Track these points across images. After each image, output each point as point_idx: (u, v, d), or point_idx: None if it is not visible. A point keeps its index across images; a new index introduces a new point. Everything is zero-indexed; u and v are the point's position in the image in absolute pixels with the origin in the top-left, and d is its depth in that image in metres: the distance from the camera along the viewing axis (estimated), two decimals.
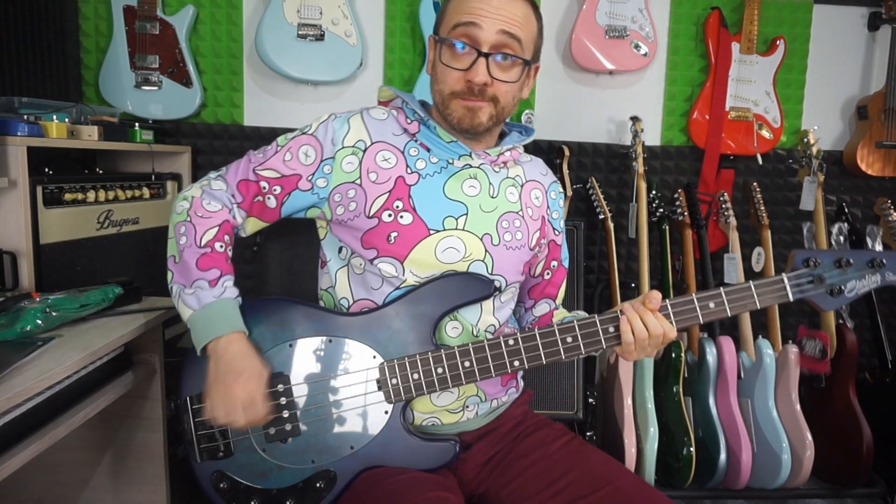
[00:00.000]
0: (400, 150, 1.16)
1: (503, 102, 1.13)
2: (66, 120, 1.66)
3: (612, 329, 1.08)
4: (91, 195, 1.69)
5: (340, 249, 1.18)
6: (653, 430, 2.04)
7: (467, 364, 1.08)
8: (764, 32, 2.34)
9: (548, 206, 1.28)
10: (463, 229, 1.14)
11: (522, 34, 1.10)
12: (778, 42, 2.32)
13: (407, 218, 1.12)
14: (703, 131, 2.34)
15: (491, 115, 1.13)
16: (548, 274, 1.31)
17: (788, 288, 1.08)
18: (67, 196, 1.62)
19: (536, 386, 1.86)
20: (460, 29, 1.09)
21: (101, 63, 2.16)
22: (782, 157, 2.42)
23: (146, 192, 1.90)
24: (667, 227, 2.25)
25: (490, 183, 1.19)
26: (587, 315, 1.12)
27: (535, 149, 2.36)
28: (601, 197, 2.23)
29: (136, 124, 1.98)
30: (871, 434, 2.05)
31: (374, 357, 1.10)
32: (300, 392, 1.10)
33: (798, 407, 2.07)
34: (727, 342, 2.11)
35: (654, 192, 2.27)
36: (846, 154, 2.42)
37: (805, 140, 2.23)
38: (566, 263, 1.34)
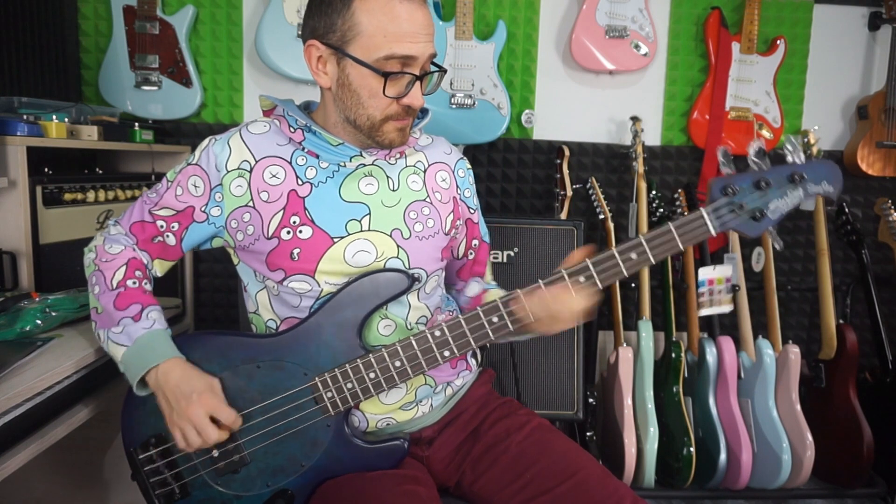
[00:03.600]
0: (287, 161, 1.12)
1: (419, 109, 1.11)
2: (66, 120, 1.66)
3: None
4: (91, 195, 1.69)
5: (255, 273, 1.16)
6: (653, 430, 2.04)
7: (398, 364, 1.07)
8: (764, 32, 2.34)
9: (457, 186, 1.24)
10: (369, 230, 1.12)
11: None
12: (778, 42, 2.32)
13: (306, 231, 1.09)
14: (703, 131, 2.34)
15: (412, 124, 1.12)
16: (471, 254, 1.30)
17: (709, 222, 1.03)
18: (67, 196, 1.62)
19: (536, 386, 1.86)
20: (396, 60, 1.02)
21: (101, 63, 2.16)
22: (783, 157, 2.42)
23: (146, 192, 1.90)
24: None
25: (388, 176, 1.15)
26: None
27: (535, 149, 2.36)
28: (601, 197, 2.23)
29: (136, 124, 1.98)
30: (871, 434, 2.05)
31: (305, 374, 1.09)
32: (241, 422, 1.09)
33: (798, 407, 2.06)
34: (727, 342, 2.11)
35: (654, 192, 2.26)
36: (846, 154, 2.42)
37: (805, 140, 2.22)
38: (487, 239, 1.33)
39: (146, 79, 2.14)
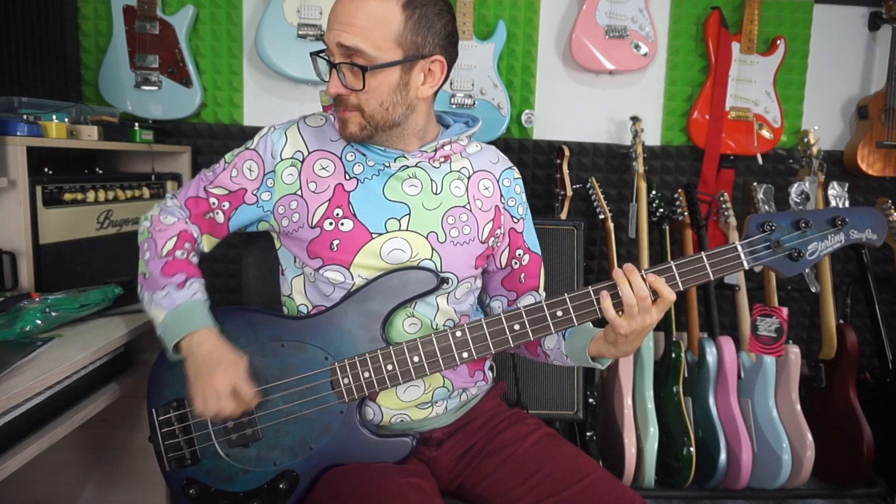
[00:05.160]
0: (338, 156, 1.17)
1: (369, 111, 1.08)
2: (66, 120, 1.65)
3: (559, 313, 1.07)
4: (91, 195, 1.69)
5: (294, 259, 1.20)
6: (653, 430, 2.04)
7: (416, 359, 1.09)
8: (764, 32, 2.34)
9: (501, 195, 1.24)
10: (407, 230, 1.14)
11: (363, 42, 1.03)
12: (778, 42, 2.32)
13: (347, 224, 1.13)
14: (703, 131, 2.33)
15: (361, 124, 1.10)
16: (516, 263, 1.27)
17: (743, 256, 1.03)
18: (67, 196, 1.62)
19: (536, 386, 1.86)
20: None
21: (101, 63, 2.16)
22: (782, 157, 2.42)
23: (146, 192, 1.90)
24: (667, 227, 2.24)
25: (431, 180, 1.18)
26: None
27: (535, 149, 2.36)
28: (601, 197, 2.23)
29: (136, 124, 1.98)
30: (871, 434, 2.05)
31: (326, 358, 1.12)
32: (258, 400, 1.12)
33: (798, 407, 2.07)
34: (727, 342, 2.11)
35: (654, 192, 2.26)
36: (846, 154, 2.42)
37: (805, 140, 2.23)
38: (537, 250, 1.30)
39: (146, 79, 2.14)
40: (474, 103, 2.20)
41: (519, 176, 1.29)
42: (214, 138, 2.28)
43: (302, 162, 1.15)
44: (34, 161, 1.51)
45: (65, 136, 1.63)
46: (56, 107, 1.69)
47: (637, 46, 2.25)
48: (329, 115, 1.21)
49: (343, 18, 1.04)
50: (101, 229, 1.73)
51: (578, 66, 2.28)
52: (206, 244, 1.24)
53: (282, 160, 1.15)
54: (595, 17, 2.23)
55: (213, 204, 1.19)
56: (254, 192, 1.17)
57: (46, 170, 1.59)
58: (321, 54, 1.10)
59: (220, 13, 2.23)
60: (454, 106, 2.19)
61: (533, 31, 2.30)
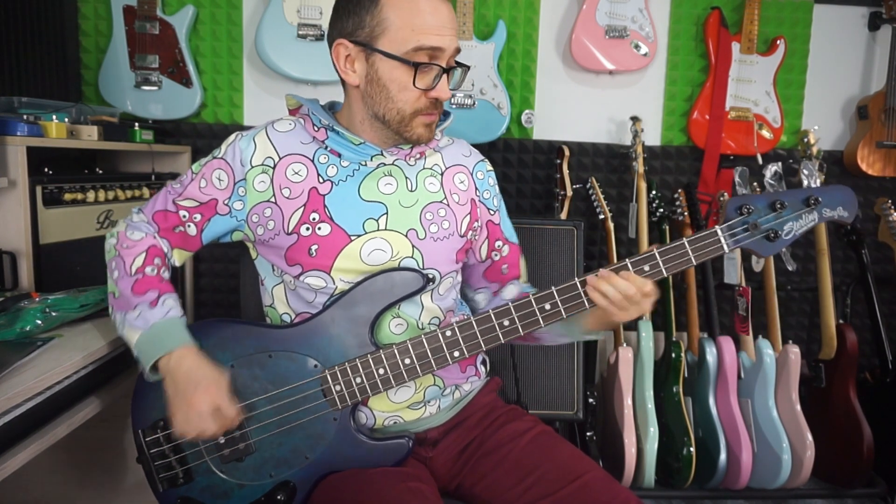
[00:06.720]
0: (310, 159, 1.14)
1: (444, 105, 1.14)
2: (66, 120, 1.66)
3: (547, 307, 1.07)
4: (91, 195, 1.69)
5: (273, 267, 1.18)
6: (653, 430, 2.04)
7: (408, 361, 1.09)
8: (764, 32, 2.34)
9: (476, 188, 1.25)
10: (385, 229, 1.13)
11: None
12: (778, 42, 2.32)
13: (325, 229, 1.11)
14: (703, 131, 2.34)
15: (438, 122, 1.15)
16: (496, 255, 1.29)
17: (723, 239, 1.05)
18: (67, 196, 1.62)
19: (536, 386, 1.86)
20: (424, 52, 1.06)
21: (101, 63, 2.16)
22: (783, 157, 2.42)
23: (146, 192, 1.90)
24: (667, 227, 2.24)
25: (406, 177, 1.17)
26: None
27: (535, 149, 2.36)
28: (601, 197, 2.23)
29: (136, 124, 1.98)
30: (871, 434, 2.05)
31: (316, 366, 1.10)
32: (249, 410, 1.11)
33: (798, 407, 2.06)
34: (727, 342, 2.11)
35: (654, 192, 2.26)
36: (846, 154, 2.42)
37: (805, 140, 2.22)
38: (514, 240, 1.32)
39: (146, 79, 2.14)
40: (474, 103, 2.20)
41: (491, 168, 1.30)
42: (214, 138, 2.28)
43: (273, 168, 1.13)
44: (34, 161, 1.51)
45: (65, 136, 1.63)
46: (56, 107, 1.69)
47: (637, 46, 2.25)
48: (298, 120, 1.18)
49: (453, 24, 1.09)
50: (101, 229, 1.74)
51: (578, 66, 2.28)
52: (178, 258, 1.20)
53: (252, 167, 1.12)
54: (595, 17, 2.23)
55: (184, 217, 1.16)
56: (225, 202, 1.14)
57: (46, 170, 1.59)
58: (433, 62, 1.07)
59: (220, 13, 2.23)
60: (454, 106, 2.19)
61: (533, 31, 2.30)
